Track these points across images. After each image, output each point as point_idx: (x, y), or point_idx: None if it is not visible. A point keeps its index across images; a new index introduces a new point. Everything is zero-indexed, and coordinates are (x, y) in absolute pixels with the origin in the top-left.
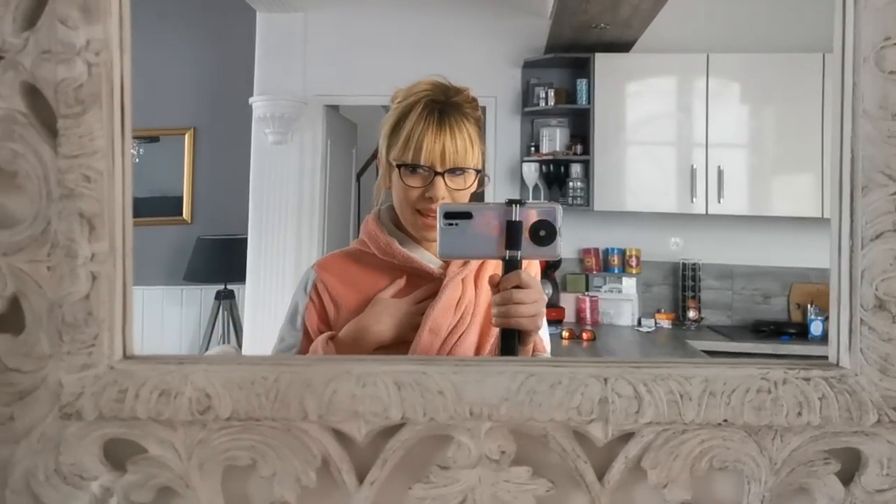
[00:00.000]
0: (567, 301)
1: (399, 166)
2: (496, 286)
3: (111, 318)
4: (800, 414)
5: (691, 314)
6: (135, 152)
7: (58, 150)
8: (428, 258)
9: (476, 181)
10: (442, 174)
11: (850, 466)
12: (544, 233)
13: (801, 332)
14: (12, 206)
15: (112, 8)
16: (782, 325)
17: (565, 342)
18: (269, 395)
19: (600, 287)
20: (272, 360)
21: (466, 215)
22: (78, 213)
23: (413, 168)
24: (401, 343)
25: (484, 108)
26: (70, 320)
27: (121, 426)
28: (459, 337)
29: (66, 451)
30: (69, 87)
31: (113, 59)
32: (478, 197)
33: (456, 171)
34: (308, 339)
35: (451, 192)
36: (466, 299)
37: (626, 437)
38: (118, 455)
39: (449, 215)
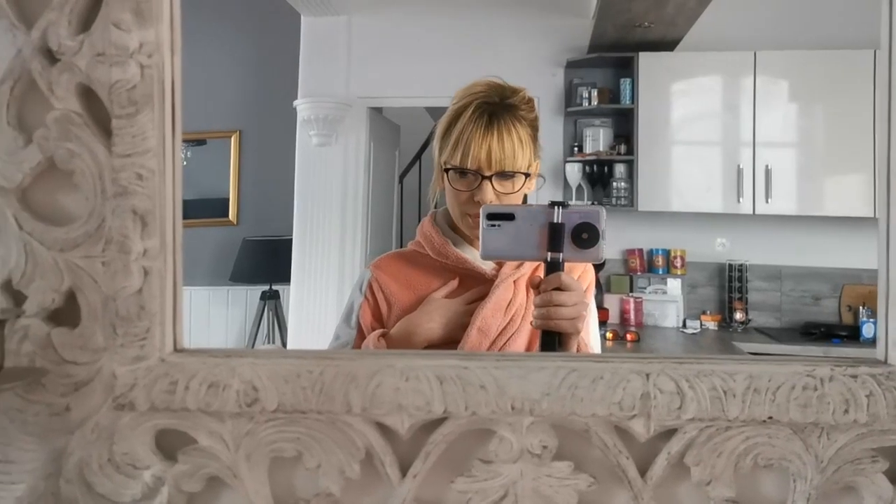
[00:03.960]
0: (611, 302)
1: (448, 170)
2: (537, 287)
3: (162, 312)
4: (847, 411)
5: (738, 316)
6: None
7: (112, 150)
8: (482, 260)
9: (527, 184)
10: (489, 178)
11: None
12: (587, 235)
13: (852, 334)
14: (68, 204)
15: (164, 11)
16: (833, 328)
17: (609, 343)
18: (314, 389)
19: (644, 288)
20: (317, 354)
21: (509, 216)
22: (131, 210)
23: (461, 171)
24: (450, 342)
25: None
26: (123, 314)
27: (172, 417)
28: (509, 339)
29: (119, 441)
30: (123, 88)
31: (164, 61)
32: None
33: (504, 174)
34: (361, 336)
35: (499, 196)
36: (518, 302)
37: (669, 433)
38: (169, 445)
39: (491, 216)
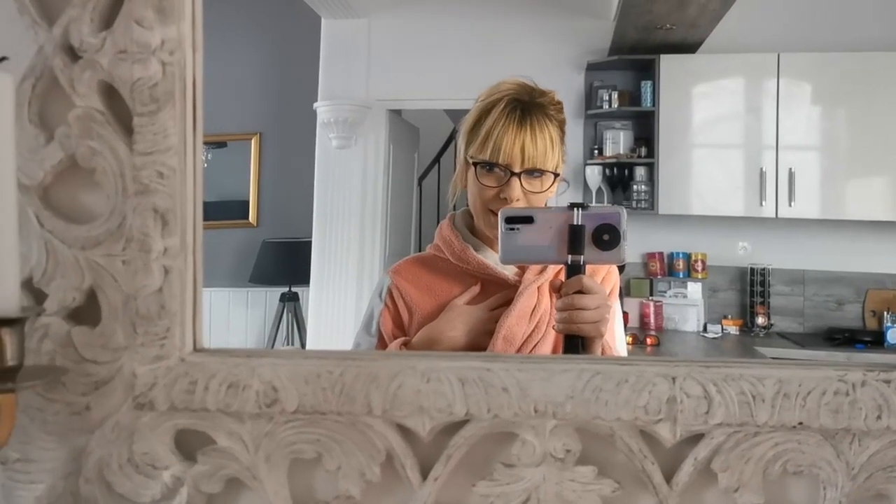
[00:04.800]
0: (631, 306)
1: (476, 164)
2: (558, 291)
3: (182, 311)
4: (879, 417)
5: (760, 320)
6: (203, 157)
7: (133, 148)
8: (503, 265)
9: (554, 185)
10: (518, 175)
11: None
12: (608, 237)
13: (876, 339)
14: (89, 202)
15: (185, 9)
16: (857, 333)
17: (629, 347)
18: (334, 390)
19: (665, 292)
20: (338, 355)
21: (528, 219)
22: (152, 208)
23: (489, 167)
24: (475, 350)
25: None
26: (144, 313)
27: (191, 417)
28: (534, 346)
29: (139, 441)
30: (144, 85)
31: (186, 58)
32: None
33: (534, 172)
34: (382, 344)
35: (526, 195)
36: (542, 308)
37: (696, 438)
38: (189, 445)
39: (510, 220)
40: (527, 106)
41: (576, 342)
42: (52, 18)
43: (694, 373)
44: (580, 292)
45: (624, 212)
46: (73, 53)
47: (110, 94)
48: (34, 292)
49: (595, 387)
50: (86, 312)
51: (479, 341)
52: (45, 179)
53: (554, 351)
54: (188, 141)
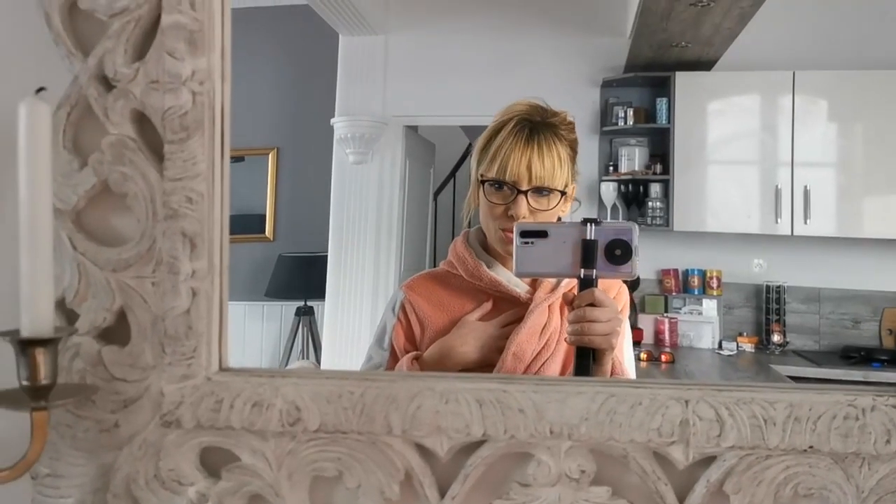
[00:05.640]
0: (645, 322)
1: (484, 182)
2: (570, 304)
3: (209, 331)
4: (888, 441)
5: (776, 338)
6: None
7: (163, 174)
8: (515, 282)
9: (561, 203)
10: (525, 193)
11: None
12: (620, 252)
13: (893, 358)
14: (121, 226)
15: (216, 41)
16: (873, 352)
17: (643, 364)
18: (355, 409)
19: (680, 308)
20: (359, 376)
21: (542, 234)
22: (181, 232)
23: (497, 184)
24: (485, 366)
25: None
26: (172, 333)
27: (216, 435)
28: (544, 363)
29: (165, 458)
30: (175, 114)
31: (215, 88)
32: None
33: (541, 190)
34: (395, 358)
35: (533, 213)
36: (552, 326)
37: (708, 460)
38: (213, 462)
39: (525, 234)
40: (536, 125)
41: (587, 354)
42: (87, 49)
43: (706, 396)
44: (592, 305)
45: (636, 227)
46: (107, 83)
47: (142, 121)
48: (66, 312)
49: (609, 409)
50: (116, 332)
51: (491, 357)
52: (79, 204)
53: (563, 368)
54: (216, 167)
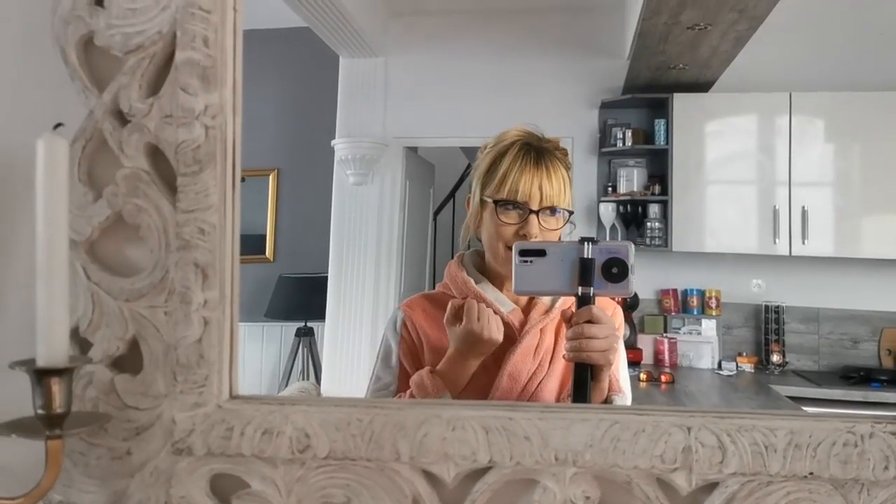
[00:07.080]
0: (645, 343)
1: (495, 203)
2: (569, 321)
3: (220, 360)
4: (886, 468)
5: (775, 358)
6: None
7: (176, 206)
8: (501, 300)
9: (567, 223)
10: (537, 212)
11: None
12: (616, 270)
13: (892, 378)
14: (134, 257)
15: (227, 76)
16: (872, 372)
17: (643, 384)
18: (364, 437)
19: (679, 329)
20: (367, 403)
21: (541, 253)
22: (193, 262)
23: (509, 205)
24: (481, 387)
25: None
26: (184, 362)
27: (227, 462)
28: (539, 383)
29: (176, 485)
30: (188, 147)
31: (227, 122)
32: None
33: (551, 210)
34: (405, 374)
35: (543, 232)
36: (545, 346)
37: (711, 486)
38: (224, 489)
39: (524, 252)
40: (538, 150)
41: (585, 370)
42: (103, 85)
43: (708, 423)
44: (590, 322)
45: (632, 246)
46: (121, 117)
47: (155, 155)
48: (79, 341)
49: (613, 436)
50: (128, 361)
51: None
52: (93, 235)
53: (561, 387)
54: (227, 199)
